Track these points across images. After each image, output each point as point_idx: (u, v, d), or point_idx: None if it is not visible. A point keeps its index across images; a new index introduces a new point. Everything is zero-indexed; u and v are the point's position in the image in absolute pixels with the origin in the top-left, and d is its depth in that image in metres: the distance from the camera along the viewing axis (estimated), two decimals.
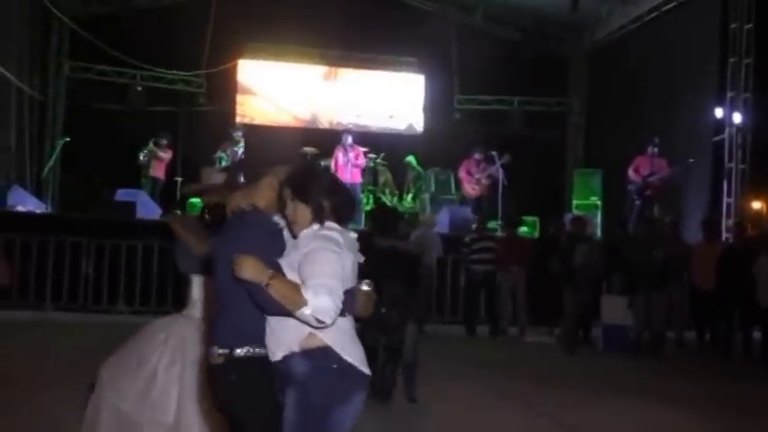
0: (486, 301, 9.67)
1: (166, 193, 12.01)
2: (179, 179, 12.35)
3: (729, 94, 11.26)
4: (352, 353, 2.53)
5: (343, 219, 2.60)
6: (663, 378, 6.98)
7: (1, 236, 9.43)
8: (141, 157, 11.92)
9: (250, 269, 2.39)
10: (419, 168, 13.45)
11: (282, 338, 2.50)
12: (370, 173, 13.14)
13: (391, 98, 14.67)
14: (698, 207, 11.27)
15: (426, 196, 12.73)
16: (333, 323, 2.41)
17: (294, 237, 2.63)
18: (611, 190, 12.48)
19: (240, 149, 11.60)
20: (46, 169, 12.36)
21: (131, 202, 10.64)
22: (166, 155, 12.03)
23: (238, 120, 13.49)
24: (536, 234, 11.80)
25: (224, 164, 11.44)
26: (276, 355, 2.53)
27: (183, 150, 12.98)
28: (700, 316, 8.64)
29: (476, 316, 9.60)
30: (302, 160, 3.60)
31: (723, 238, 10.42)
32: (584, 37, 14.75)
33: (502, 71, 14.10)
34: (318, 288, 2.38)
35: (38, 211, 11.19)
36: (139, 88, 13.43)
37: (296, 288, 2.40)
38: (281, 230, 2.68)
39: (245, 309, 2.52)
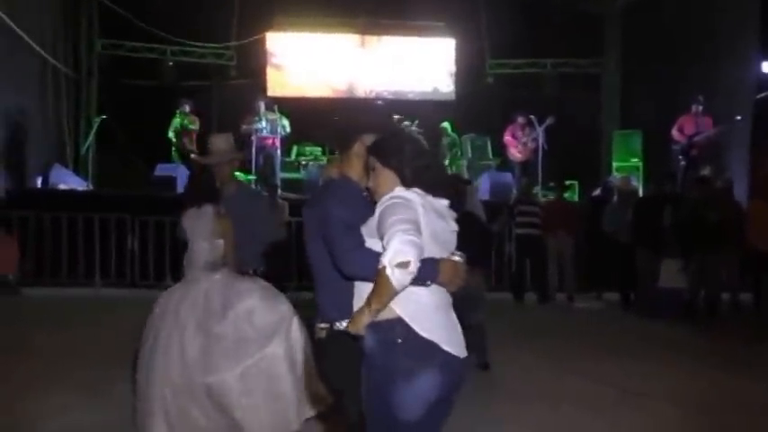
0: (532, 267, 9.58)
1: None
2: (194, 155, 12.32)
3: None
4: (432, 328, 2.32)
5: (428, 186, 2.44)
6: (722, 342, 6.89)
7: (47, 214, 9.51)
8: (170, 134, 11.89)
9: (356, 323, 2.32)
10: (454, 135, 13.29)
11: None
12: None
13: (422, 64, 14.45)
14: (739, 166, 11.05)
15: (464, 162, 12.61)
16: (419, 256, 2.22)
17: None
18: (651, 151, 12.25)
19: (264, 121, 11.49)
20: (84, 147, 12.40)
21: (171, 177, 10.66)
22: (194, 126, 11.95)
23: (269, 93, 13.39)
24: (576, 198, 11.67)
25: (265, 134, 11.41)
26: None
27: (217, 123, 12.93)
28: (756, 277, 8.48)
29: (523, 283, 9.53)
30: (391, 126, 3.49)
31: None
32: None
33: (533, 33, 13.77)
34: (389, 238, 2.24)
35: (80, 189, 11.26)
36: (170, 63, 13.37)
37: (376, 278, 2.27)
38: (366, 199, 2.59)
39: (343, 283, 2.46)
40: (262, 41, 13.85)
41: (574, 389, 5.18)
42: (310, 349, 3.77)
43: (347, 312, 2.43)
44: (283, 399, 3.71)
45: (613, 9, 14.64)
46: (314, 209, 2.59)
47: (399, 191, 2.40)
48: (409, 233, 2.24)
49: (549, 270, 9.36)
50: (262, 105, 11.69)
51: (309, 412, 3.76)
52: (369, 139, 2.60)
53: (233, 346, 3.73)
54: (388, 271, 2.20)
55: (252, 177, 11.38)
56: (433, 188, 2.45)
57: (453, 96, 14.40)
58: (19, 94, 10.72)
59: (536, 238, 9.33)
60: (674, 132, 10.79)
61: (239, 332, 3.75)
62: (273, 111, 11.75)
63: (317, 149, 13.25)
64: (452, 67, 14.44)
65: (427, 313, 2.33)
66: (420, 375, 2.28)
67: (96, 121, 12.02)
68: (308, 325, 3.53)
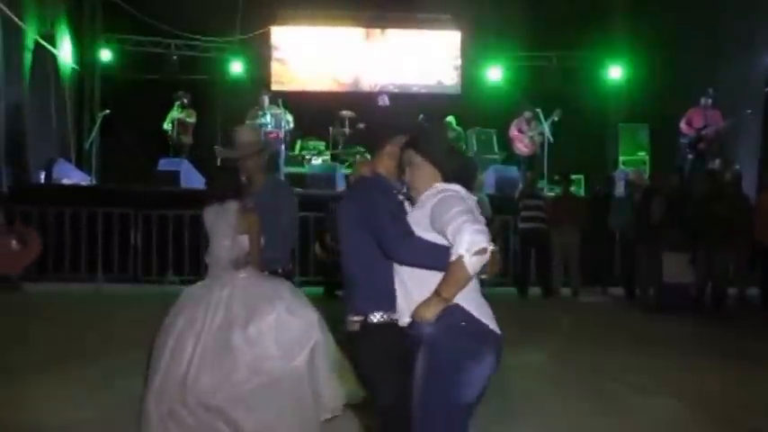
0: (537, 261, 9.51)
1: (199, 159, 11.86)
2: (217, 147, 12.25)
3: None
4: (484, 312, 2.49)
5: (463, 182, 2.58)
6: (730, 337, 6.81)
7: (51, 208, 9.50)
8: (166, 126, 11.83)
9: (428, 312, 2.40)
10: (458, 129, 13.20)
11: (414, 302, 2.47)
12: None
13: (427, 57, 14.36)
14: (748, 160, 10.93)
15: None
16: (490, 246, 2.36)
17: (413, 204, 2.63)
18: (657, 144, 12.13)
19: (268, 116, 11.44)
20: (88, 141, 12.37)
21: (175, 172, 10.62)
22: (191, 119, 11.88)
23: (273, 87, 13.33)
24: (581, 192, 11.57)
25: (270, 128, 11.35)
26: (403, 319, 2.54)
27: (221, 118, 12.89)
28: (764, 272, 8.37)
29: (528, 277, 9.45)
30: (423, 127, 3.47)
31: None
32: None
33: (539, 26, 13.65)
34: (458, 228, 2.35)
35: (83, 184, 11.24)
36: (174, 57, 13.33)
37: (449, 267, 2.37)
38: (397, 195, 2.72)
39: (379, 275, 2.56)
40: (266, 35, 13.81)
41: (581, 384, 5.12)
42: (334, 349, 3.72)
43: (383, 305, 2.58)
44: (305, 411, 3.63)
45: (619, 2, 14.50)
46: (355, 202, 2.67)
47: (443, 185, 2.54)
48: (476, 222, 2.39)
49: (554, 264, 9.29)
50: (266, 99, 11.64)
51: (326, 414, 3.71)
52: (400, 139, 2.68)
53: (251, 361, 3.58)
54: (467, 259, 2.32)
55: None
56: (468, 183, 2.61)
57: (459, 90, 14.32)
58: (22, 88, 10.69)
59: (541, 232, 9.25)
60: (683, 125, 10.70)
61: (261, 350, 3.61)
62: (278, 105, 11.70)
63: (321, 144, 13.19)
64: (458, 61, 14.35)
65: (475, 298, 2.49)
66: (484, 356, 2.44)
67: (100, 116, 11.99)
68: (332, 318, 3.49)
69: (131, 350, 5.56)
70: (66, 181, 10.80)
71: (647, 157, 12.26)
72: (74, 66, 12.80)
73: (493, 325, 2.49)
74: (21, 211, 9.30)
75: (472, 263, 2.33)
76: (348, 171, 12.52)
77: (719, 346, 6.41)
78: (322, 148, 13.09)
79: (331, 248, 9.49)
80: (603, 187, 10.58)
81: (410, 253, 2.48)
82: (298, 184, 11.14)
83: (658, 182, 8.50)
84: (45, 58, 11.50)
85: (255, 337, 3.61)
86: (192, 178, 10.83)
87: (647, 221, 7.75)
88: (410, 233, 2.49)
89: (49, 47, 11.55)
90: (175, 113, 11.82)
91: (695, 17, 11.97)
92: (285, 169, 11.74)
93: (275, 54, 14.00)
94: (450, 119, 13.21)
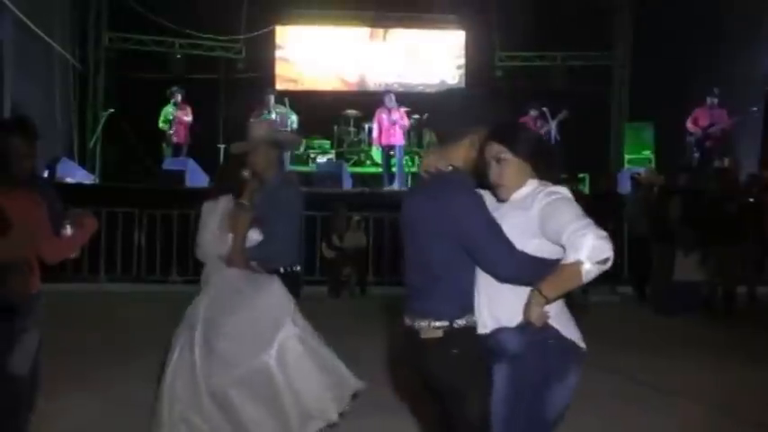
0: None
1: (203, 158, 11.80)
2: (221, 146, 12.24)
3: None
4: (569, 326, 2.36)
5: (556, 179, 2.40)
6: (742, 337, 6.74)
7: None
8: (162, 125, 11.78)
9: (532, 314, 2.22)
10: None
11: (497, 310, 2.33)
12: (414, 134, 12.92)
13: (432, 56, 14.36)
14: (750, 157, 10.90)
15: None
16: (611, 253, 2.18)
17: (500, 201, 2.42)
18: (662, 143, 12.09)
19: (274, 115, 11.39)
20: (92, 140, 12.33)
21: (180, 171, 10.57)
22: (187, 117, 11.82)
23: (278, 86, 13.30)
24: (586, 190, 11.51)
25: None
26: (487, 326, 2.36)
27: (224, 117, 12.86)
28: None
29: None
30: (502, 118, 3.09)
31: None
32: None
33: (543, 25, 13.61)
34: (580, 232, 2.16)
35: (87, 183, 11.19)
36: (179, 56, 13.29)
37: (560, 268, 2.20)
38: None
39: (464, 278, 2.37)
40: (271, 34, 13.82)
41: (598, 385, 5.03)
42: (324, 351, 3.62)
43: (466, 310, 2.38)
44: (282, 414, 3.47)
45: (623, 1, 14.47)
46: (435, 201, 2.37)
47: (545, 185, 2.35)
48: (598, 227, 2.19)
49: None
50: (271, 99, 11.60)
51: (316, 422, 3.54)
52: (482, 130, 2.43)
53: (236, 349, 3.52)
54: (586, 266, 2.15)
55: None
56: (558, 180, 2.40)
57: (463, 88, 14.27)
58: (27, 86, 10.64)
59: None
60: (689, 124, 10.67)
61: (240, 339, 3.55)
62: (284, 104, 11.66)
63: (326, 142, 13.16)
64: (462, 60, 14.33)
65: (563, 313, 2.36)
66: (570, 375, 2.33)
67: (104, 115, 11.95)
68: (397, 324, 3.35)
69: (135, 351, 5.53)
70: (69, 180, 10.74)
71: (653, 156, 12.22)
72: (77, 64, 12.75)
73: (578, 340, 2.36)
74: None
75: (589, 271, 2.15)
76: (353, 170, 12.51)
77: (735, 345, 6.34)
78: (327, 146, 13.06)
79: (337, 247, 9.51)
80: (604, 187, 10.53)
81: (516, 269, 2.28)
82: (303, 183, 11.11)
83: (674, 181, 8.44)
84: (50, 56, 11.45)
85: (235, 326, 3.57)
86: (198, 178, 10.79)
87: (664, 221, 7.68)
88: (511, 246, 2.28)
89: (55, 45, 11.49)
90: (170, 111, 11.76)
91: (699, 15, 11.93)
92: (290, 168, 11.69)
93: (279, 53, 14.00)
94: None
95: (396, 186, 11.57)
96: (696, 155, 10.63)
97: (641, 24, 14.06)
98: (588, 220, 2.21)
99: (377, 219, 10.02)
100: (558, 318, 2.31)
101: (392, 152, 11.67)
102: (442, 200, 2.34)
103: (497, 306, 2.34)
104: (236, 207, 3.68)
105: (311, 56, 14.06)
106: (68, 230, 3.16)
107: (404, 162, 12.00)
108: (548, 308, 2.24)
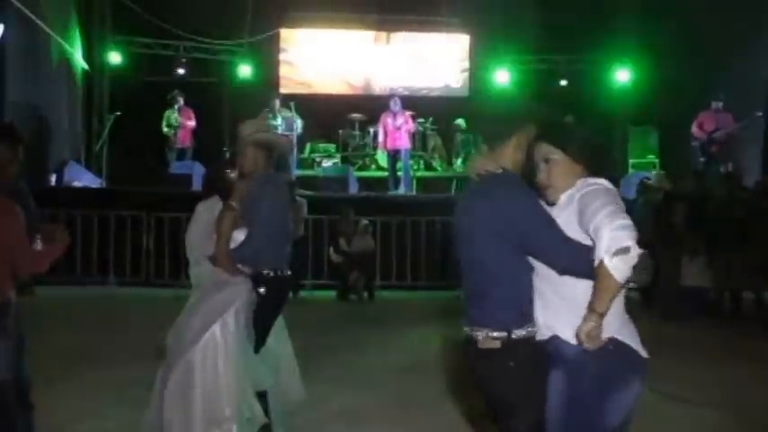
0: None
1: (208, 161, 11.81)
2: (226, 150, 12.26)
3: None
4: (630, 332, 2.31)
5: (608, 176, 2.35)
6: (757, 342, 6.76)
7: (63, 211, 9.45)
8: (165, 129, 11.77)
9: (587, 335, 2.14)
10: (468, 131, 13.21)
11: (551, 318, 2.29)
12: (419, 138, 12.96)
13: (436, 60, 14.39)
14: (753, 161, 10.94)
15: None
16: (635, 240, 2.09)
17: (548, 204, 2.37)
18: (666, 147, 12.12)
19: (279, 119, 11.41)
20: (99, 144, 12.34)
21: (187, 174, 10.58)
22: (190, 121, 11.81)
23: (282, 89, 13.32)
24: None
25: (280, 130, 11.32)
26: (545, 333, 2.32)
27: (228, 121, 12.86)
28: None
29: None
30: (558, 118, 2.98)
31: None
32: None
33: (547, 29, 13.65)
34: (597, 225, 2.10)
35: (94, 186, 11.20)
36: (184, 60, 13.29)
37: (597, 280, 2.11)
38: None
39: (522, 282, 2.30)
40: (275, 38, 13.82)
41: None
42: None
43: (525, 319, 2.30)
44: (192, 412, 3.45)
45: (627, 5, 14.50)
46: (490, 202, 2.31)
47: (588, 179, 2.29)
48: (619, 216, 2.10)
49: None
50: (277, 103, 11.62)
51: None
52: (529, 130, 2.39)
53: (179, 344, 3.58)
54: (607, 262, 2.05)
55: None
56: (610, 180, 2.33)
57: (467, 93, 14.34)
58: (34, 90, 10.64)
59: None
60: (694, 129, 10.69)
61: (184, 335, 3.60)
62: (289, 108, 11.68)
63: (331, 146, 13.19)
64: (466, 64, 14.37)
65: (622, 319, 2.29)
66: (630, 382, 2.28)
67: (110, 118, 11.96)
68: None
69: (144, 356, 5.53)
70: (77, 184, 10.76)
71: (657, 161, 12.25)
72: (83, 67, 12.76)
73: (639, 347, 2.31)
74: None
75: (616, 266, 2.04)
76: (359, 173, 12.53)
77: (743, 351, 6.35)
78: (332, 150, 13.08)
79: (344, 252, 9.53)
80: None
81: (571, 259, 2.20)
82: (310, 187, 11.15)
83: (682, 185, 8.47)
84: (59, 60, 11.46)
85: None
86: None
87: (670, 226, 7.71)
88: (567, 237, 2.23)
89: (67, 46, 11.49)
90: (173, 116, 11.76)
91: (702, 19, 11.97)
92: (296, 172, 11.72)
93: (284, 57, 14.01)
94: (460, 121, 13.22)
95: (401, 191, 11.59)
96: (701, 159, 10.65)
97: (645, 27, 14.10)
98: (611, 209, 2.11)
99: (384, 223, 10.06)
100: (618, 325, 2.25)
101: (398, 156, 11.69)
102: (497, 199, 2.29)
103: (551, 314, 2.29)
104: (223, 208, 3.66)
105: (315, 59, 14.08)
106: (39, 245, 3.11)
107: (410, 166, 12.03)
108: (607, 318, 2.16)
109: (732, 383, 5.29)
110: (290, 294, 9.23)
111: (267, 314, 3.77)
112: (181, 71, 13.25)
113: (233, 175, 3.80)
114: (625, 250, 2.04)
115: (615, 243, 2.05)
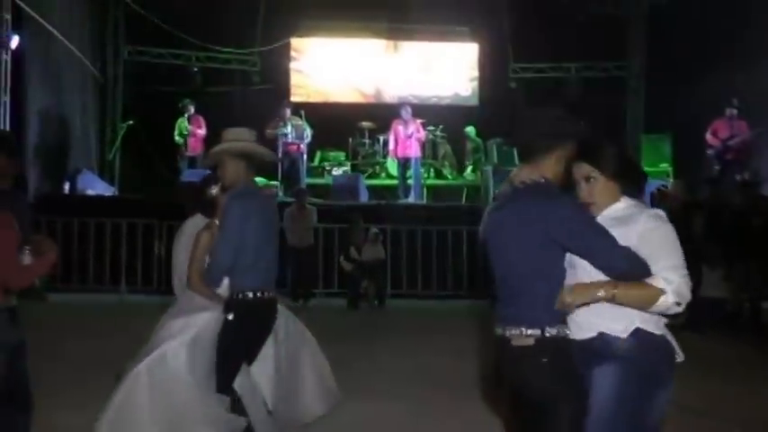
0: None
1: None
2: None
3: None
4: (666, 333, 2.41)
5: (636, 195, 2.50)
6: None
7: (75, 219, 9.51)
8: (178, 138, 11.83)
9: (582, 296, 2.26)
10: (478, 139, 13.20)
11: (600, 314, 2.33)
12: (429, 146, 12.94)
13: (445, 69, 14.40)
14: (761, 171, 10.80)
15: (489, 168, 12.45)
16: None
17: None
18: (680, 155, 12.02)
19: (289, 127, 11.42)
20: (112, 153, 12.43)
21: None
22: (200, 130, 11.87)
23: (293, 98, 13.36)
24: None
25: (291, 139, 11.33)
26: (587, 333, 2.37)
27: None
28: None
29: None
30: (588, 133, 2.96)
31: None
32: None
33: (557, 37, 13.62)
34: (680, 270, 2.28)
35: (107, 195, 11.26)
36: (196, 69, 13.37)
37: (641, 283, 2.27)
38: None
39: (558, 286, 2.33)
40: (286, 47, 13.90)
41: None
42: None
43: (558, 318, 2.35)
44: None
45: (638, 11, 14.46)
46: (534, 206, 2.36)
47: (631, 200, 2.42)
48: (686, 274, 2.30)
49: None
50: (287, 111, 11.64)
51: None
52: (570, 146, 2.45)
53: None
54: (663, 299, 2.25)
55: (276, 183, 11.33)
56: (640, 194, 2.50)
57: (476, 101, 14.33)
58: (49, 99, 10.73)
59: None
60: (708, 136, 10.58)
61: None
62: (300, 117, 11.70)
63: (341, 155, 13.20)
64: (475, 72, 14.38)
65: (661, 319, 2.40)
66: (670, 381, 2.37)
67: (122, 127, 12.04)
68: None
69: None
70: (90, 192, 10.82)
71: (671, 169, 12.15)
72: (99, 75, 12.86)
73: (678, 351, 2.42)
74: (46, 222, 9.33)
75: (666, 305, 2.25)
76: (370, 182, 12.52)
77: (763, 363, 6.27)
78: (342, 158, 13.09)
79: (355, 260, 9.51)
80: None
81: (628, 263, 2.28)
82: (320, 195, 11.16)
83: (697, 195, 8.38)
84: (72, 68, 11.55)
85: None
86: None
87: (689, 235, 7.61)
88: (618, 242, 2.30)
89: (80, 56, 11.59)
90: (185, 125, 11.82)
91: (714, 25, 11.89)
92: (306, 180, 11.73)
93: (295, 65, 14.07)
94: (470, 129, 13.22)
95: (411, 199, 11.57)
96: (717, 168, 10.54)
97: (656, 34, 14.04)
98: (683, 261, 2.31)
99: (394, 231, 10.03)
100: (663, 325, 2.38)
101: (408, 164, 11.67)
102: (545, 204, 2.34)
103: (594, 313, 2.33)
104: (203, 228, 3.49)
105: (326, 68, 14.14)
106: (26, 258, 3.06)
107: (420, 174, 12.00)
108: (655, 323, 2.33)
109: (749, 395, 5.21)
110: (301, 302, 9.34)
111: (231, 345, 3.36)
112: (193, 80, 13.32)
113: (213, 191, 3.57)
114: (680, 304, 2.26)
115: (683, 297, 2.26)
